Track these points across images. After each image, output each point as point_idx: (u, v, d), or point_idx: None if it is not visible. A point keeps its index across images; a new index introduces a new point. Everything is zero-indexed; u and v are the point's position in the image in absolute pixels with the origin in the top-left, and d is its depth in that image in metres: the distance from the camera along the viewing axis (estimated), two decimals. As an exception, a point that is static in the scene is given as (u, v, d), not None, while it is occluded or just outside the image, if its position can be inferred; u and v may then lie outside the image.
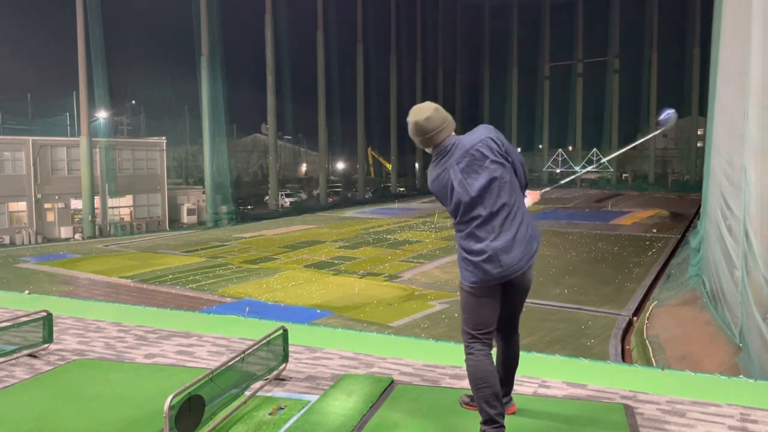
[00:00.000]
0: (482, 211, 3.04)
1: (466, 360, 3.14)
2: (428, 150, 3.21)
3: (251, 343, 3.97)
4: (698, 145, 52.33)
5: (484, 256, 3.02)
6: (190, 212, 39.20)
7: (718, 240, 10.36)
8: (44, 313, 4.91)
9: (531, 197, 3.39)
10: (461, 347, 4.92)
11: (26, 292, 8.46)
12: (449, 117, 3.17)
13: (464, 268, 3.12)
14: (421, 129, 3.13)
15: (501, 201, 3.04)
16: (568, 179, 5.13)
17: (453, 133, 3.16)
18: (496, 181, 3.04)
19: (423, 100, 3.32)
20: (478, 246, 3.05)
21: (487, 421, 3.02)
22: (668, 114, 3.66)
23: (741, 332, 7.78)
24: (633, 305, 15.28)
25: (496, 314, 3.15)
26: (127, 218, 35.80)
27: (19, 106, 39.85)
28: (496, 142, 3.09)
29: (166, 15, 46.58)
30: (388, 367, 4.41)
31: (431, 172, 3.18)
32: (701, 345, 9.38)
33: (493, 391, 3.03)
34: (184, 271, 21.02)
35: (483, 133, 3.13)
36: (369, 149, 59.26)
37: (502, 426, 3.01)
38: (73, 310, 6.57)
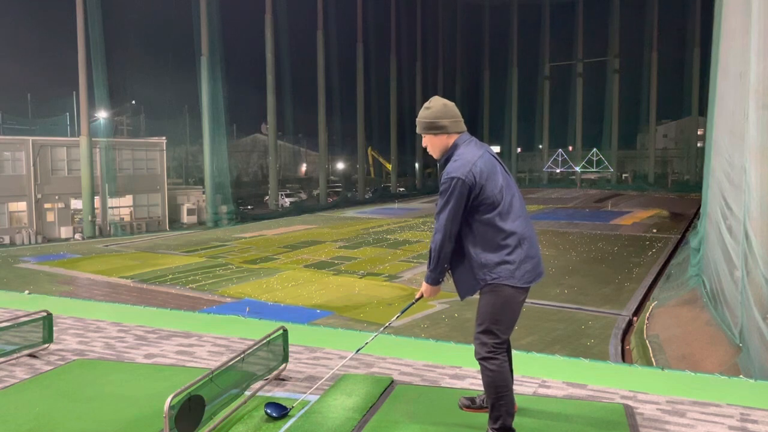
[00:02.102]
0: (519, 208, 3.06)
1: (489, 365, 3.00)
2: (448, 138, 3.12)
3: (251, 343, 3.97)
4: (698, 145, 52.33)
5: (533, 251, 3.04)
6: (190, 212, 39.19)
7: (718, 240, 10.36)
8: (44, 313, 4.91)
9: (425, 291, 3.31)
10: (461, 347, 4.93)
11: (26, 292, 8.45)
12: None
13: (516, 267, 2.97)
14: (452, 111, 3.14)
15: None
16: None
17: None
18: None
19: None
20: (527, 242, 3.01)
21: (502, 428, 3.01)
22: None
23: (741, 332, 7.78)
24: (633, 305, 15.28)
25: None
26: (127, 218, 35.79)
27: (19, 106, 39.89)
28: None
29: (166, 15, 46.57)
30: (388, 367, 4.41)
31: (471, 151, 3.04)
32: (701, 345, 9.38)
33: (512, 398, 3.04)
34: (184, 271, 21.02)
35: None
36: (369, 149, 59.25)
37: (514, 431, 3.05)
38: (73, 310, 6.57)
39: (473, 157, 2.99)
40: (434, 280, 3.20)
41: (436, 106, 3.12)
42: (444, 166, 3.10)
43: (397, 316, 3.73)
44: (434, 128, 3.12)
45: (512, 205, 3.01)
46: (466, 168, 2.94)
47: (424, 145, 3.23)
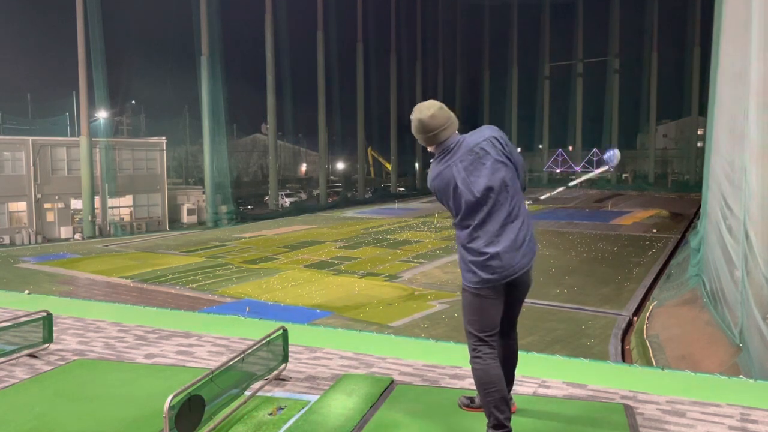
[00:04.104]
0: (485, 210, 3.02)
1: (473, 363, 3.08)
2: (430, 148, 3.19)
3: (251, 343, 3.97)
4: (698, 145, 52.31)
5: (486, 257, 3.02)
6: (190, 212, 39.20)
7: (718, 240, 10.36)
8: (44, 313, 4.91)
9: None
10: (461, 347, 4.93)
11: (26, 292, 8.46)
12: (453, 116, 3.15)
13: (467, 270, 3.09)
14: (425, 126, 3.10)
15: (503, 201, 3.04)
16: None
17: (456, 132, 3.15)
18: (500, 181, 3.03)
19: (423, 100, 3.29)
20: (481, 247, 3.03)
21: (496, 425, 3.00)
22: (611, 153, 3.61)
23: (741, 332, 7.78)
24: (633, 305, 15.28)
25: (500, 315, 3.14)
26: (127, 218, 35.79)
27: (19, 106, 39.87)
28: (500, 142, 3.10)
29: (166, 15, 46.66)
30: (388, 367, 4.41)
31: (433, 170, 3.16)
32: (701, 345, 9.38)
33: (501, 395, 3.02)
34: (184, 271, 21.02)
35: (487, 132, 3.13)
36: (369, 149, 59.26)
37: (510, 429, 3.03)
38: (73, 310, 6.57)
39: (433, 174, 3.17)
40: None
41: (412, 124, 3.19)
42: None
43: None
44: (427, 141, 3.22)
45: (468, 216, 3.07)
46: (430, 180, 3.20)
47: None
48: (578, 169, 59.74)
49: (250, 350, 3.76)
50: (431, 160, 3.22)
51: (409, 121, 3.19)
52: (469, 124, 3.26)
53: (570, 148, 63.46)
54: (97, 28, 33.36)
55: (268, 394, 3.91)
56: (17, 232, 31.10)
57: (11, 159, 31.45)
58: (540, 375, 4.16)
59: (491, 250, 3.02)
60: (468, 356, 3.14)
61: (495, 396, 3.00)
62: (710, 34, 13.44)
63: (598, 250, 23.69)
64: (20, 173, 31.69)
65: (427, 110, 3.11)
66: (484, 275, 3.03)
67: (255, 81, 46.53)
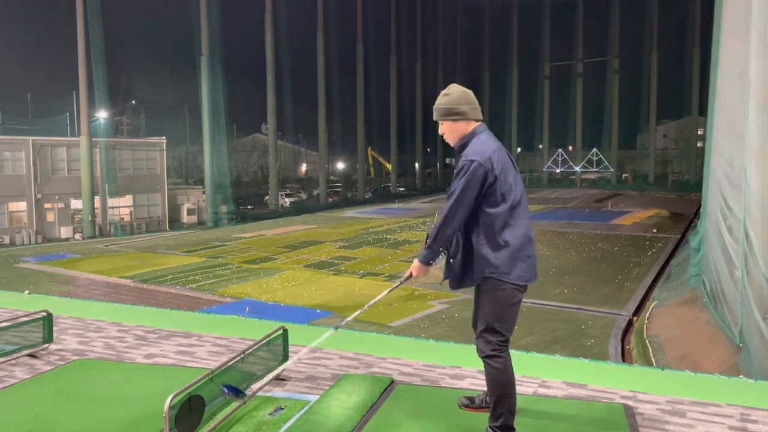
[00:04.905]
0: (525, 207, 3.08)
1: (495, 363, 2.99)
2: (466, 124, 3.11)
3: (251, 343, 3.97)
4: (698, 145, 52.33)
5: (532, 250, 3.05)
6: (190, 212, 39.20)
7: (718, 240, 10.36)
8: (44, 313, 4.91)
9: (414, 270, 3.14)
10: (461, 347, 4.93)
11: (26, 292, 8.46)
12: None
13: (521, 264, 2.96)
14: (469, 97, 3.16)
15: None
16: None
17: None
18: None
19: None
20: (529, 241, 3.04)
21: (504, 427, 3.01)
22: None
23: (741, 332, 7.78)
24: (633, 305, 15.28)
25: None
26: (127, 218, 35.79)
27: (19, 106, 39.88)
28: None
29: (166, 15, 46.61)
30: (388, 367, 4.41)
31: (490, 143, 3.03)
32: (701, 345, 9.38)
33: (515, 397, 3.04)
34: (184, 271, 21.02)
35: None
36: (369, 149, 59.22)
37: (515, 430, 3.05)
38: (73, 310, 6.57)
39: (494, 146, 3.02)
40: (426, 259, 3.07)
41: (455, 93, 3.14)
42: (460, 152, 3.09)
43: (386, 293, 3.57)
44: (454, 114, 3.10)
45: (520, 203, 3.01)
46: (486, 154, 2.94)
47: (441, 132, 3.18)
48: (578, 168, 59.76)
49: (250, 350, 3.76)
50: (484, 132, 3.13)
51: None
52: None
53: (570, 148, 63.47)
54: (97, 27, 33.38)
55: (268, 394, 3.91)
56: (17, 232, 31.10)
57: (11, 159, 31.45)
58: (540, 375, 4.15)
59: (533, 245, 3.07)
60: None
61: (513, 397, 3.01)
62: (710, 34, 13.45)
63: (598, 250, 23.69)
64: (20, 173, 31.69)
65: (465, 88, 3.21)
66: (533, 271, 3.04)
67: (255, 81, 46.57)
